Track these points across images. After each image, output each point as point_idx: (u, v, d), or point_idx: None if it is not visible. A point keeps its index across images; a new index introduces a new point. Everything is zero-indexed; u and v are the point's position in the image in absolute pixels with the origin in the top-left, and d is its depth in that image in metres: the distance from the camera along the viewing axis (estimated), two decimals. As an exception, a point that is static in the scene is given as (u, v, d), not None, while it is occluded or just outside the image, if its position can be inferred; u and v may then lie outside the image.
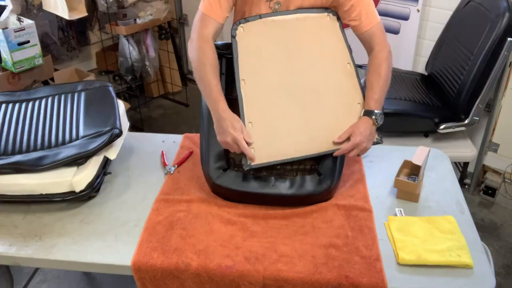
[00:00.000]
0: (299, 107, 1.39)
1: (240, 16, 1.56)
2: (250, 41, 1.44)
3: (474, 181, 2.55)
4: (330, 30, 1.47)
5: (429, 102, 2.20)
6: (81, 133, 1.46)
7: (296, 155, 1.36)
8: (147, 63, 3.20)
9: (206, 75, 1.36)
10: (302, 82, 1.41)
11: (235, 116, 1.34)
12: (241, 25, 1.44)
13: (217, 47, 1.53)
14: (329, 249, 1.24)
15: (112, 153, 1.45)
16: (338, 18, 1.47)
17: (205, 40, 1.40)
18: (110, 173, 1.53)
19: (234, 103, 1.54)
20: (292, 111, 1.39)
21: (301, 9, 1.46)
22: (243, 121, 1.35)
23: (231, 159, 1.44)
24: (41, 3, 2.48)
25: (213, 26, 1.41)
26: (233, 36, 1.44)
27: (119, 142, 1.48)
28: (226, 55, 1.53)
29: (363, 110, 1.40)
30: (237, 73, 1.41)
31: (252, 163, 1.33)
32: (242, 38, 1.44)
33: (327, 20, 1.47)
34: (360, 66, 1.95)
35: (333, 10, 1.47)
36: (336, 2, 1.46)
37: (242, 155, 1.33)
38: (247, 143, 1.32)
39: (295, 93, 1.40)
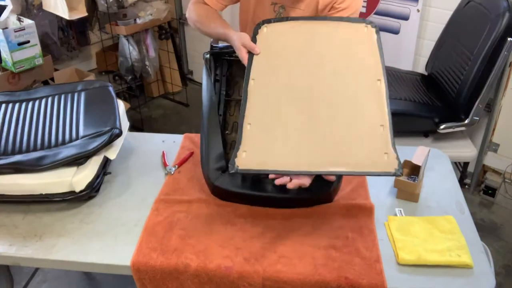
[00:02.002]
0: (308, 117, 1.25)
1: (245, 14, 1.59)
2: (270, 41, 1.36)
3: (474, 181, 2.55)
4: (364, 41, 1.34)
5: (429, 102, 2.20)
6: (81, 133, 1.45)
7: (290, 169, 1.19)
8: (147, 63, 3.20)
9: (206, 21, 1.51)
10: (318, 91, 1.28)
11: (239, 38, 1.38)
12: (265, 24, 1.39)
13: (219, 48, 1.54)
14: (329, 250, 1.24)
15: (112, 153, 1.45)
16: (377, 31, 1.35)
17: (200, 4, 1.56)
18: (110, 173, 1.53)
19: (232, 104, 1.55)
20: (299, 120, 1.25)
21: (336, 16, 1.43)
22: (242, 121, 1.26)
23: (231, 160, 1.44)
24: (41, 3, 2.48)
25: (204, 5, 1.54)
26: (254, 35, 1.38)
27: (119, 142, 1.48)
28: (227, 58, 1.53)
29: None
30: (248, 72, 1.33)
31: (240, 167, 1.19)
32: (263, 37, 1.37)
33: (363, 31, 1.35)
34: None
35: (373, 22, 1.37)
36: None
37: (232, 157, 1.23)
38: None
39: (307, 101, 1.27)
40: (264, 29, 1.38)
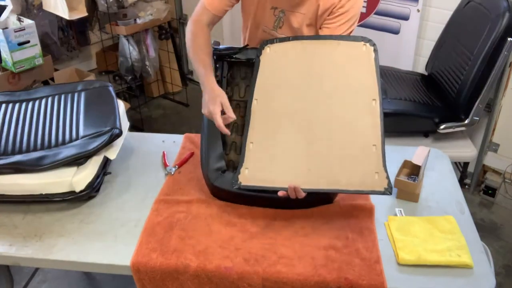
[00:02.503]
0: (307, 137, 1.32)
1: (246, 16, 1.59)
2: (273, 62, 1.41)
3: (474, 181, 2.55)
4: (362, 60, 1.37)
5: (429, 102, 2.20)
6: (81, 133, 1.45)
7: (288, 186, 1.26)
8: (147, 63, 3.20)
9: (196, 51, 1.45)
10: (317, 112, 1.34)
11: (219, 90, 1.36)
12: (268, 45, 1.42)
13: (219, 50, 1.55)
14: (329, 251, 1.24)
15: (112, 153, 1.45)
16: (375, 50, 1.37)
17: (199, 26, 1.49)
18: (110, 173, 1.53)
19: (233, 105, 1.55)
20: (298, 140, 1.32)
21: (336, 35, 1.43)
22: (245, 140, 1.34)
23: (230, 161, 1.44)
24: (41, 3, 2.48)
25: (208, 16, 1.50)
26: (258, 56, 1.42)
27: (119, 142, 1.48)
28: (227, 59, 1.54)
29: None
30: (252, 92, 1.39)
31: (242, 183, 1.29)
32: (267, 58, 1.41)
33: (362, 50, 1.37)
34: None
35: (371, 40, 1.39)
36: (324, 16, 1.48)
37: (236, 172, 1.31)
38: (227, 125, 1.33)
39: (306, 122, 1.33)
40: (267, 50, 1.42)
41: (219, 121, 1.30)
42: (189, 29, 1.50)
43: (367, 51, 1.37)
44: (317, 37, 1.46)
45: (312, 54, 1.40)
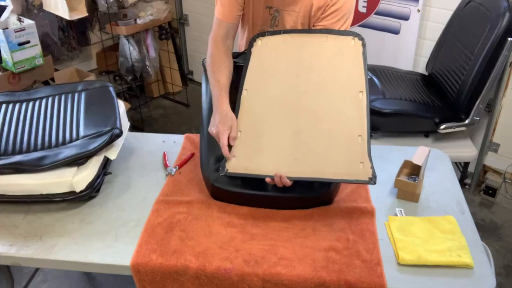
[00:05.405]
0: (294, 127, 1.35)
1: (245, 17, 1.59)
2: (264, 54, 1.44)
3: (475, 181, 2.55)
4: (351, 54, 1.41)
5: (429, 102, 2.20)
6: (81, 133, 1.45)
7: (273, 174, 1.29)
8: (147, 63, 3.20)
9: (212, 72, 1.46)
10: (304, 102, 1.37)
11: (232, 115, 1.37)
12: (260, 38, 1.46)
13: None
14: (330, 253, 1.23)
15: (112, 153, 1.45)
16: (364, 44, 1.41)
17: (217, 44, 1.50)
18: (110, 173, 1.53)
19: (231, 107, 1.55)
20: (286, 129, 1.35)
21: (325, 29, 1.45)
22: None
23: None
24: (41, 3, 2.49)
25: (223, 27, 1.51)
26: (249, 48, 1.45)
27: (119, 142, 1.48)
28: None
29: None
30: (242, 82, 1.42)
31: (229, 170, 1.31)
32: (258, 50, 1.45)
33: (350, 44, 1.42)
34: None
35: (360, 34, 1.43)
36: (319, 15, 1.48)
37: (223, 161, 1.33)
38: (229, 146, 1.33)
39: (294, 112, 1.36)
40: (259, 42, 1.46)
41: (225, 141, 1.32)
42: (208, 50, 1.51)
43: (355, 45, 1.42)
44: (307, 30, 1.49)
45: (302, 47, 1.43)
